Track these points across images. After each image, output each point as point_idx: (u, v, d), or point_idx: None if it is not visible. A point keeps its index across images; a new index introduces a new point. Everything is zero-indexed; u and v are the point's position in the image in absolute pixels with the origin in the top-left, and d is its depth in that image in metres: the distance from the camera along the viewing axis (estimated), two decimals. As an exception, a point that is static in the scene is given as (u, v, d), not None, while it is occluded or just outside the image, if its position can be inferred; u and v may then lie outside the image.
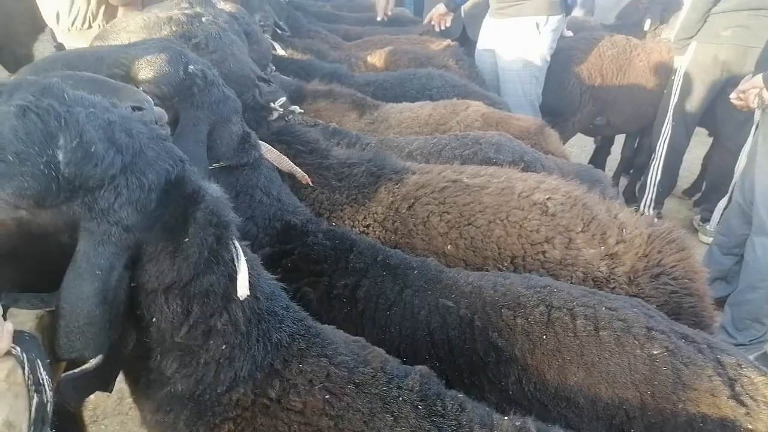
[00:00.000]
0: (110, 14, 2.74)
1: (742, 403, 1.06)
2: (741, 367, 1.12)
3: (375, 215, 1.76)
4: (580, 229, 1.59)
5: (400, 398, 1.00)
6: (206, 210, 0.93)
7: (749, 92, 3.00)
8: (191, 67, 1.46)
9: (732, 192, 3.54)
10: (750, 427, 1.04)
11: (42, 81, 0.86)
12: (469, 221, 1.68)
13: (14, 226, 0.81)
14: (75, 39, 2.84)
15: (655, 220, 1.68)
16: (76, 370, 0.87)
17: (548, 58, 3.88)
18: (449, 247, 1.69)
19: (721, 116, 3.99)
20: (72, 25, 2.77)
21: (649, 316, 1.22)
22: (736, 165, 3.40)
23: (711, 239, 3.78)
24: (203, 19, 1.74)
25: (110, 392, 0.98)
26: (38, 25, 3.63)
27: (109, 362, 0.88)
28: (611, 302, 1.25)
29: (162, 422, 1.01)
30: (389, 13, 4.38)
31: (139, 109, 1.16)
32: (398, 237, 1.74)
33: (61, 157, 0.80)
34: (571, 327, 1.18)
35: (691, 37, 3.78)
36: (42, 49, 6.15)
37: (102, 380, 0.92)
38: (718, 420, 1.05)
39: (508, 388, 1.19)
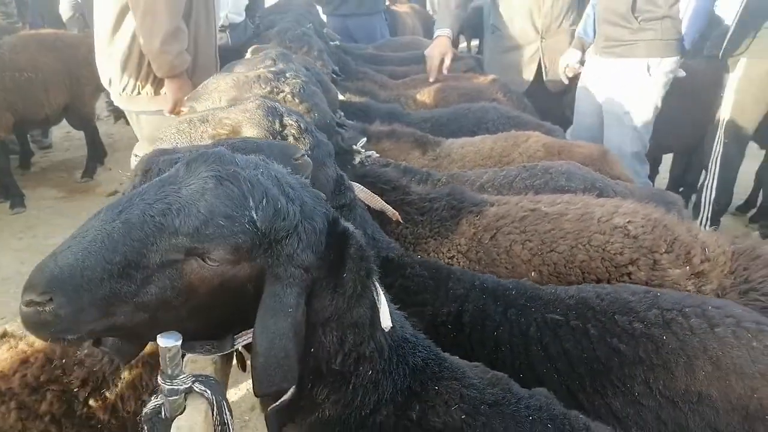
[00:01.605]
0: (158, 83, 2.96)
1: None
2: None
3: (459, 247, 1.85)
4: (663, 250, 1.65)
5: (530, 417, 1.06)
6: (357, 246, 1.03)
7: None
8: (286, 118, 1.60)
9: None
10: None
11: (212, 151, 0.98)
12: (551, 248, 1.75)
13: (218, 282, 0.92)
14: (125, 102, 3.08)
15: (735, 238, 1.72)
16: (278, 402, 0.96)
17: (659, 104, 3.60)
18: (533, 274, 1.76)
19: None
20: (123, 90, 3.00)
21: (749, 312, 1.31)
22: None
23: None
24: (287, 74, 1.89)
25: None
26: (100, 87, 3.93)
27: (296, 393, 0.97)
28: (713, 301, 1.33)
29: None
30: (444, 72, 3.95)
31: (304, 155, 1.31)
32: (482, 267, 1.82)
33: (255, 215, 0.92)
34: (687, 326, 1.26)
35: (741, 53, 3.80)
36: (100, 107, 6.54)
37: (294, 411, 1.00)
38: None
39: (634, 390, 1.25)
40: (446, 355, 1.20)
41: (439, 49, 3.85)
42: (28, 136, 6.43)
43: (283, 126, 1.55)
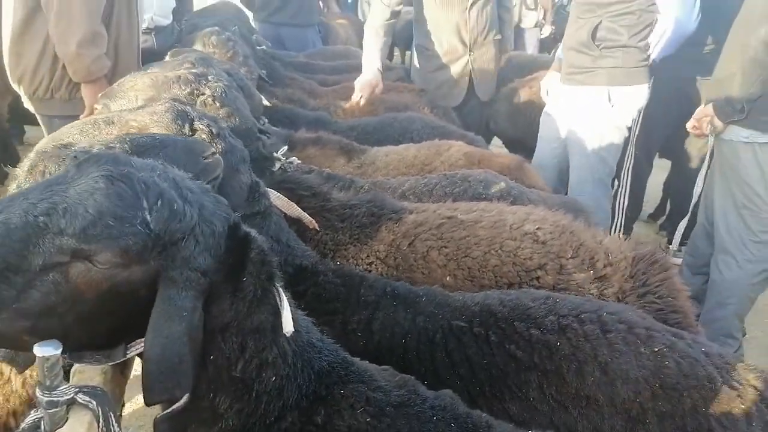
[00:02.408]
0: (73, 87, 2.82)
1: (734, 387, 1.21)
2: (722, 357, 1.29)
3: (377, 253, 1.87)
4: (569, 255, 1.72)
5: (435, 417, 1.07)
6: (258, 251, 1.02)
7: (702, 120, 3.25)
8: (197, 122, 1.56)
9: (691, 213, 3.76)
10: (742, 407, 1.19)
11: (107, 153, 0.95)
12: (465, 253, 1.80)
13: (106, 286, 0.88)
14: (37, 105, 2.91)
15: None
16: (168, 410, 0.92)
17: (626, 133, 3.56)
18: (448, 278, 1.80)
19: (679, 144, 4.27)
20: (34, 93, 2.84)
21: (643, 317, 1.37)
22: (694, 188, 3.62)
23: (680, 260, 3.97)
24: (209, 77, 1.85)
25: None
26: (10, 88, 3.70)
27: (190, 396, 0.93)
28: (610, 307, 1.39)
29: None
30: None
31: (214, 153, 1.28)
32: (399, 272, 1.84)
33: (149, 216, 0.89)
34: (581, 332, 1.31)
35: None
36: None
37: (186, 420, 0.96)
38: (717, 403, 1.19)
39: (530, 395, 1.29)
40: (354, 359, 1.20)
41: (369, 82, 3.76)
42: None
43: (193, 130, 1.51)
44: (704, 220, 3.58)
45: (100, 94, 1.96)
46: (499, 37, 4.24)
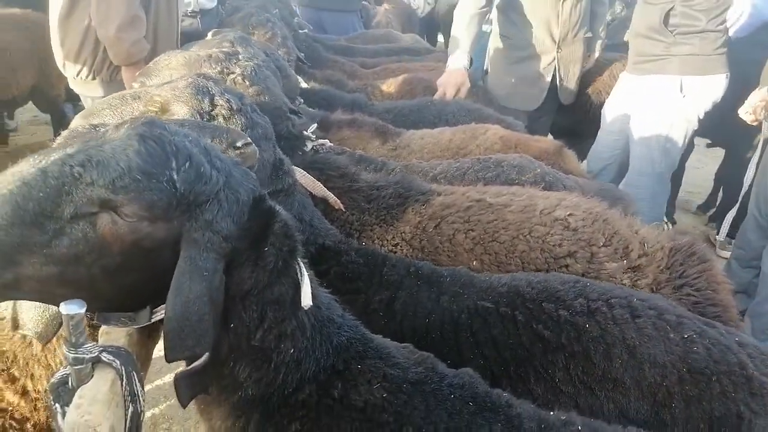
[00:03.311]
0: (114, 70, 2.90)
1: (766, 374, 1.17)
2: (758, 348, 1.25)
3: (403, 234, 1.85)
4: (602, 243, 1.66)
5: (452, 395, 1.07)
6: (282, 223, 1.04)
7: (757, 106, 3.06)
8: (217, 98, 1.56)
9: (740, 203, 3.57)
10: None
11: (145, 117, 0.99)
12: (493, 237, 1.76)
13: (130, 240, 0.91)
14: (80, 87, 3.01)
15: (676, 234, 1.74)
16: (189, 367, 0.94)
17: (696, 126, 3.33)
18: (474, 263, 1.76)
19: (731, 130, 4.03)
20: (77, 75, 2.93)
21: (674, 306, 1.34)
22: (745, 176, 3.44)
23: (728, 254, 3.79)
24: (240, 56, 1.86)
25: (212, 394, 1.05)
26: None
27: (211, 363, 0.95)
28: (640, 294, 1.36)
29: (233, 427, 1.07)
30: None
31: (248, 144, 1.30)
32: (425, 255, 1.82)
33: (176, 176, 0.92)
34: (610, 315, 1.28)
35: None
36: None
37: (206, 380, 0.98)
38: (747, 389, 1.16)
39: (555, 376, 1.26)
40: (374, 336, 1.20)
41: (455, 79, 3.41)
42: (-7, 119, 6.26)
43: (213, 105, 1.52)
44: (755, 211, 3.40)
45: (137, 73, 2.00)
46: (589, 35, 3.86)
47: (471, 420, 1.03)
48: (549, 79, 3.78)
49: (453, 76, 3.43)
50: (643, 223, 1.79)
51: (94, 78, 2.91)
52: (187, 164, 0.94)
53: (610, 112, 3.64)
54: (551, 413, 1.07)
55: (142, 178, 0.89)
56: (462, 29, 3.59)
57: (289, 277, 1.05)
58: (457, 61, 3.50)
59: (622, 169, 3.67)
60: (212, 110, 1.49)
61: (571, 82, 3.84)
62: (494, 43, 3.94)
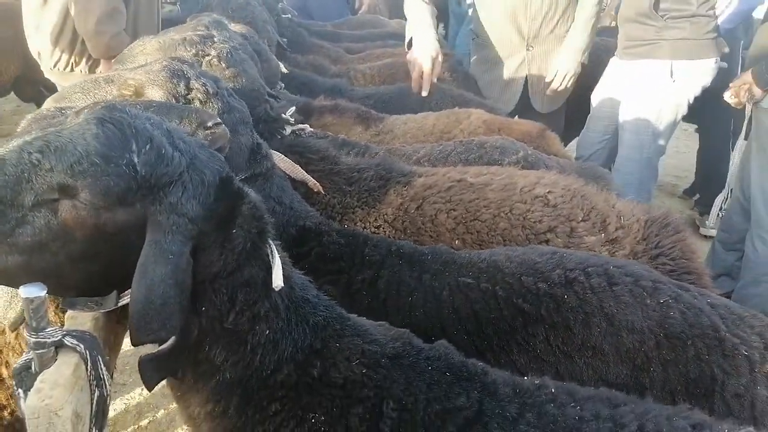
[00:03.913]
0: (93, 62, 2.86)
1: (738, 336, 1.20)
2: (728, 308, 1.27)
3: (385, 216, 1.85)
4: (580, 218, 1.68)
5: (429, 367, 1.08)
6: (250, 205, 1.03)
7: (741, 88, 3.08)
8: (193, 81, 1.55)
9: (728, 187, 3.60)
10: (745, 353, 1.18)
11: (105, 102, 0.98)
12: (474, 216, 1.77)
13: (92, 225, 0.91)
14: (58, 77, 2.97)
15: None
16: (155, 351, 0.94)
17: (685, 111, 3.29)
18: (457, 242, 1.78)
19: (706, 110, 4.04)
20: (54, 66, 2.89)
21: (650, 271, 1.36)
22: (730, 161, 3.46)
23: (713, 231, 3.83)
24: (215, 39, 1.85)
25: (178, 377, 1.04)
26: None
27: (179, 347, 0.94)
28: (617, 261, 1.39)
29: (213, 412, 1.06)
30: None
31: (218, 124, 1.29)
32: (407, 236, 1.82)
33: (137, 159, 0.91)
34: (587, 285, 1.30)
35: None
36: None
37: (174, 364, 0.98)
38: (720, 350, 1.19)
39: (537, 347, 1.29)
40: (350, 315, 1.21)
41: (426, 53, 2.89)
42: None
43: (188, 89, 1.50)
44: (740, 194, 3.43)
45: (113, 60, 1.98)
46: None
47: (449, 389, 1.05)
48: (522, 82, 3.40)
49: (423, 49, 2.90)
50: (619, 198, 1.82)
51: (72, 70, 2.88)
52: (148, 146, 0.93)
53: (599, 98, 3.62)
54: (525, 378, 1.09)
55: (101, 162, 0.89)
56: (415, 9, 3.15)
57: (260, 259, 1.04)
58: (426, 36, 2.97)
59: (611, 154, 3.66)
60: (188, 94, 1.48)
61: (546, 88, 3.38)
62: (468, 38, 3.69)
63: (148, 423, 2.69)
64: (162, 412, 2.75)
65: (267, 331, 1.05)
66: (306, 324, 1.11)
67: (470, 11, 3.63)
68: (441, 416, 1.01)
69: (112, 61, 1.99)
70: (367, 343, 1.11)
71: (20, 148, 0.89)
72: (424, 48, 2.93)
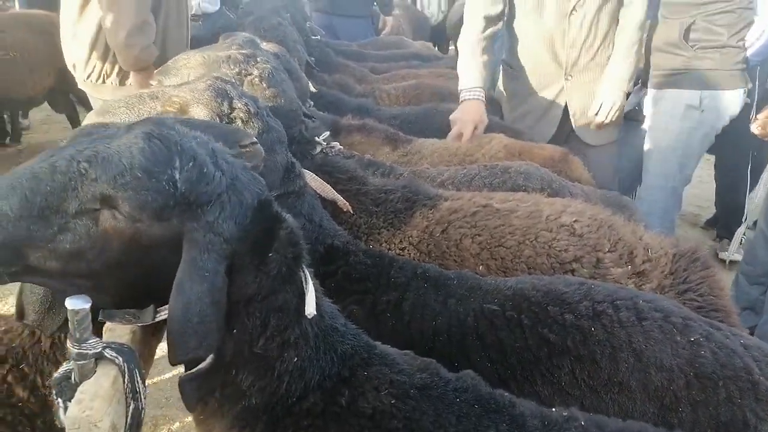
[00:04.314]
0: (124, 74, 2.92)
1: None
2: (762, 350, 1.25)
3: (410, 238, 1.87)
4: (607, 249, 1.68)
5: (458, 399, 1.07)
6: (287, 230, 1.04)
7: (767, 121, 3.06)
8: (236, 101, 1.59)
9: (747, 216, 3.56)
10: None
11: (156, 117, 1.01)
12: (499, 243, 1.78)
13: (129, 237, 0.92)
14: (90, 89, 3.04)
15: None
16: (194, 370, 0.95)
17: (713, 141, 3.29)
18: (481, 267, 1.78)
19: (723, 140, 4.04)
20: (87, 78, 2.96)
21: (680, 307, 1.34)
22: (750, 191, 3.43)
23: (729, 255, 3.79)
24: (258, 59, 1.89)
25: (216, 396, 1.04)
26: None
27: (216, 366, 0.96)
28: (646, 295, 1.36)
29: None
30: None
31: (254, 143, 1.31)
32: (432, 259, 1.83)
33: (178, 176, 0.93)
34: (615, 318, 1.28)
35: None
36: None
37: (212, 383, 0.99)
38: (753, 394, 1.16)
39: (561, 379, 1.27)
40: (376, 343, 1.21)
41: (470, 116, 2.85)
42: (5, 116, 6.35)
43: (231, 108, 1.55)
44: (765, 227, 3.39)
45: (156, 71, 2.03)
46: None
47: (478, 422, 1.04)
48: (559, 114, 3.17)
49: (468, 112, 2.88)
50: (646, 230, 1.81)
51: (104, 81, 2.95)
52: (191, 164, 0.94)
53: (624, 125, 3.63)
54: (553, 410, 1.08)
55: (143, 176, 0.90)
56: (467, 58, 3.08)
57: (294, 285, 1.05)
58: (470, 94, 2.97)
59: (633, 181, 3.67)
60: (231, 113, 1.52)
61: (590, 120, 3.13)
62: (502, 70, 3.44)
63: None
64: (177, 424, 2.76)
65: (295, 359, 1.05)
66: (334, 352, 1.11)
67: (499, 42, 3.49)
68: None
69: (155, 71, 2.03)
70: (395, 372, 1.10)
71: (71, 156, 0.92)
72: (468, 112, 2.90)
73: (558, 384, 1.29)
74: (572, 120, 3.16)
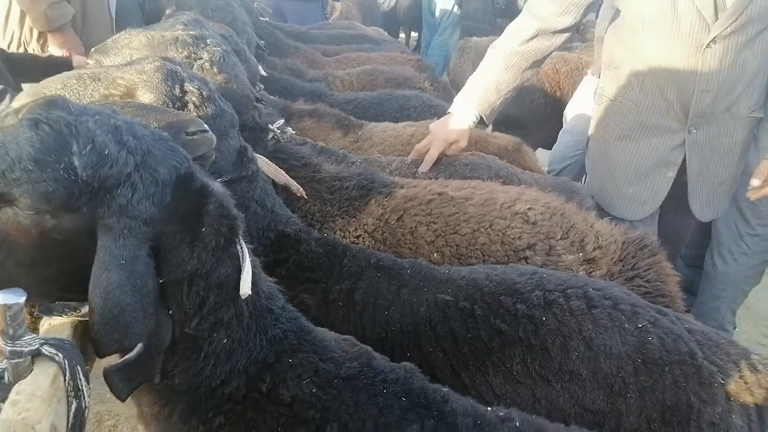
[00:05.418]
0: (44, 40, 2.75)
1: (715, 363, 1.22)
2: (705, 334, 1.29)
3: (365, 226, 1.84)
4: (559, 236, 1.70)
5: (385, 391, 1.05)
6: (217, 203, 0.99)
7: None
8: (187, 84, 1.51)
9: None
10: (722, 381, 1.19)
11: (45, 97, 0.91)
12: (454, 230, 1.77)
13: (37, 233, 0.86)
14: None
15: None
16: (119, 361, 0.90)
17: None
18: (435, 255, 1.78)
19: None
20: (8, 47, 2.77)
21: (628, 294, 1.37)
22: None
23: None
24: (208, 41, 1.80)
25: (156, 382, 0.99)
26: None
27: (151, 352, 0.91)
28: (596, 283, 1.39)
29: (158, 415, 1.04)
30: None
31: (203, 131, 1.23)
32: (387, 247, 1.82)
33: (77, 162, 0.86)
34: (566, 307, 1.30)
35: None
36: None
37: (146, 370, 0.94)
38: (697, 378, 1.20)
39: (513, 369, 1.28)
40: (313, 327, 1.18)
41: (447, 135, 2.25)
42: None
43: (183, 92, 1.46)
44: None
45: (93, 49, 1.90)
46: (760, 115, 2.27)
47: (402, 416, 1.02)
48: (671, 176, 2.32)
49: (446, 131, 2.26)
50: (597, 218, 1.85)
51: (25, 50, 2.76)
52: (89, 147, 0.87)
53: (572, 113, 3.67)
54: (489, 408, 1.07)
55: (35, 168, 0.83)
56: (486, 67, 2.35)
57: (233, 258, 1.01)
58: (461, 115, 2.31)
59: (582, 168, 3.75)
60: (183, 97, 1.43)
61: (715, 186, 2.34)
62: (597, 105, 2.58)
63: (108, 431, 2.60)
64: (122, 419, 2.66)
65: (225, 340, 1.02)
66: (264, 335, 1.08)
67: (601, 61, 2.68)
68: None
69: (93, 50, 1.89)
70: (323, 360, 1.08)
71: None
72: (447, 130, 2.26)
73: (509, 373, 1.30)
74: (689, 184, 2.31)
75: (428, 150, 2.26)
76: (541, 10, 2.25)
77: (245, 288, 1.00)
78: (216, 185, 1.03)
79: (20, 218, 0.85)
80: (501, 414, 1.05)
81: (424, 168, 2.22)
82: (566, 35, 2.31)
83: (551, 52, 2.36)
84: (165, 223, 0.92)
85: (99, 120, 0.92)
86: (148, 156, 0.93)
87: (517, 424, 1.03)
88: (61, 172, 0.85)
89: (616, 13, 2.38)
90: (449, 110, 2.37)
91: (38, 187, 0.83)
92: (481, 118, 2.35)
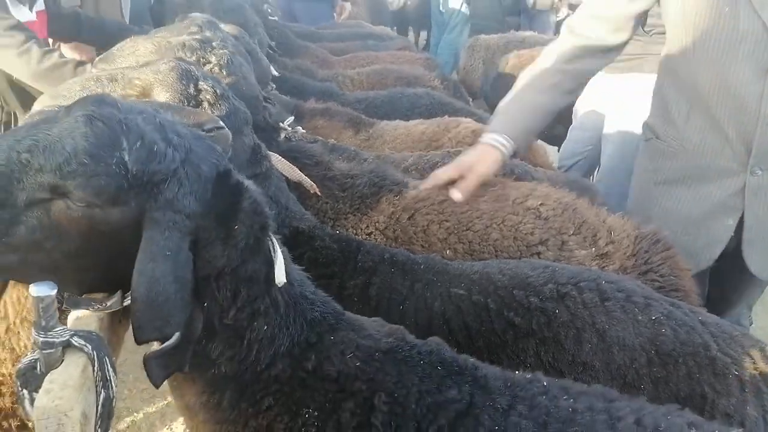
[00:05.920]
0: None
1: (729, 355, 1.22)
2: (719, 326, 1.29)
3: (377, 224, 1.86)
4: (572, 231, 1.71)
5: (422, 361, 1.10)
6: (251, 200, 1.02)
7: None
8: (201, 83, 1.54)
9: None
10: (736, 372, 1.20)
11: (95, 95, 0.95)
12: (467, 227, 1.78)
13: (86, 225, 0.89)
14: None
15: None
16: (159, 348, 0.92)
17: None
18: (448, 252, 1.79)
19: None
20: None
21: (642, 287, 1.38)
22: None
23: None
24: (214, 44, 1.82)
25: (186, 371, 1.02)
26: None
27: (184, 342, 0.94)
28: (609, 276, 1.40)
29: (207, 403, 1.07)
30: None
31: (220, 128, 1.25)
32: (398, 244, 1.83)
33: (128, 157, 0.89)
34: (579, 300, 1.31)
35: None
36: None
37: (180, 359, 0.97)
38: (711, 369, 1.21)
39: (527, 362, 1.29)
40: (344, 311, 1.22)
41: (482, 169, 1.85)
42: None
43: (198, 90, 1.49)
44: None
45: (97, 58, 1.92)
46: None
47: (440, 382, 1.06)
48: (732, 226, 1.92)
49: (480, 161, 1.88)
50: (609, 213, 1.85)
51: None
52: (139, 143, 0.90)
53: (582, 109, 3.65)
54: (516, 372, 1.11)
55: (90, 162, 0.86)
56: (523, 87, 2.04)
57: (262, 255, 1.04)
58: (494, 141, 1.92)
59: (592, 165, 3.73)
60: (197, 95, 1.46)
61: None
62: (644, 141, 2.23)
63: (126, 428, 2.64)
64: (140, 416, 2.70)
65: (265, 327, 1.05)
66: (303, 319, 1.12)
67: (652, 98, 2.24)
68: (432, 409, 1.02)
69: (97, 59, 1.91)
70: (362, 337, 1.13)
71: (9, 147, 0.88)
72: (480, 162, 1.88)
73: (524, 366, 1.31)
74: (745, 234, 1.91)
75: (447, 175, 1.87)
76: (589, 32, 1.97)
77: (280, 277, 1.03)
78: (250, 183, 1.06)
79: (72, 210, 0.88)
80: (528, 376, 1.09)
81: (457, 197, 1.83)
82: (617, 53, 2.08)
83: (598, 71, 2.13)
84: (204, 218, 0.95)
85: (146, 117, 0.96)
86: (190, 153, 0.97)
87: (545, 383, 1.06)
88: (113, 167, 0.88)
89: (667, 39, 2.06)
90: (480, 139, 1.99)
91: (92, 180, 0.87)
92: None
